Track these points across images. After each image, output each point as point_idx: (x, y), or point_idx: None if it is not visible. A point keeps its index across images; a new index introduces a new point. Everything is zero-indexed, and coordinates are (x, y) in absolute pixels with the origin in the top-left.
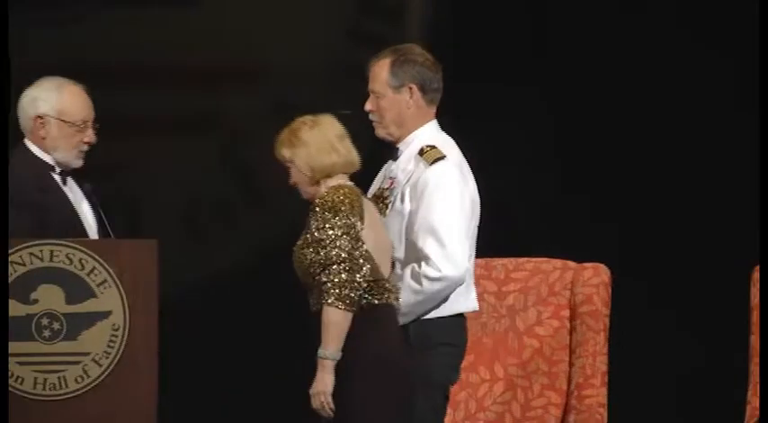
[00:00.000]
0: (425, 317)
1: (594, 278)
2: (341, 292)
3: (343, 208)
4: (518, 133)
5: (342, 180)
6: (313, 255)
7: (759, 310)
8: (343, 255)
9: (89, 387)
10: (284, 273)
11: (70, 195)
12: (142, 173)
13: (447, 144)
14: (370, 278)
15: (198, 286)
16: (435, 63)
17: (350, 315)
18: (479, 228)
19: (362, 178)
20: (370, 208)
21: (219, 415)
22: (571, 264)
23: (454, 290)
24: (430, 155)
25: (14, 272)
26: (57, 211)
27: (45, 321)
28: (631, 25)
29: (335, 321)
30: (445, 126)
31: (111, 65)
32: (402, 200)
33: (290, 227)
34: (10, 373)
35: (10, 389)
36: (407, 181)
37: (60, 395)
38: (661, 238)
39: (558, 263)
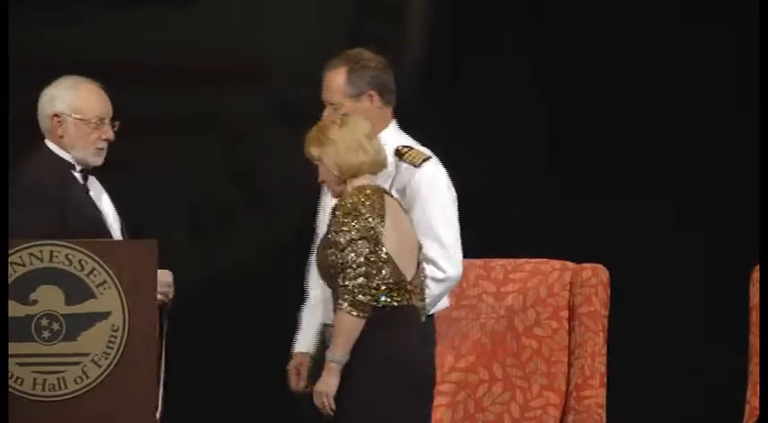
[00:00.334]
0: None
1: (593, 279)
2: (355, 297)
3: (363, 210)
4: (517, 133)
5: (368, 180)
6: (332, 257)
7: (759, 310)
8: (360, 259)
9: (88, 388)
10: (284, 273)
11: (91, 193)
12: (142, 173)
13: (417, 143)
14: (390, 280)
15: (198, 286)
16: (387, 65)
17: (362, 321)
18: (479, 227)
19: None
20: (394, 208)
21: (219, 415)
22: (570, 264)
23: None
24: (413, 156)
25: (14, 272)
26: (78, 209)
27: (44, 322)
28: (631, 26)
29: (346, 326)
30: (445, 126)
31: (111, 65)
32: None
33: (290, 227)
34: (9, 374)
35: (9, 389)
36: (391, 184)
37: (60, 396)
38: (660, 239)
39: (556, 263)
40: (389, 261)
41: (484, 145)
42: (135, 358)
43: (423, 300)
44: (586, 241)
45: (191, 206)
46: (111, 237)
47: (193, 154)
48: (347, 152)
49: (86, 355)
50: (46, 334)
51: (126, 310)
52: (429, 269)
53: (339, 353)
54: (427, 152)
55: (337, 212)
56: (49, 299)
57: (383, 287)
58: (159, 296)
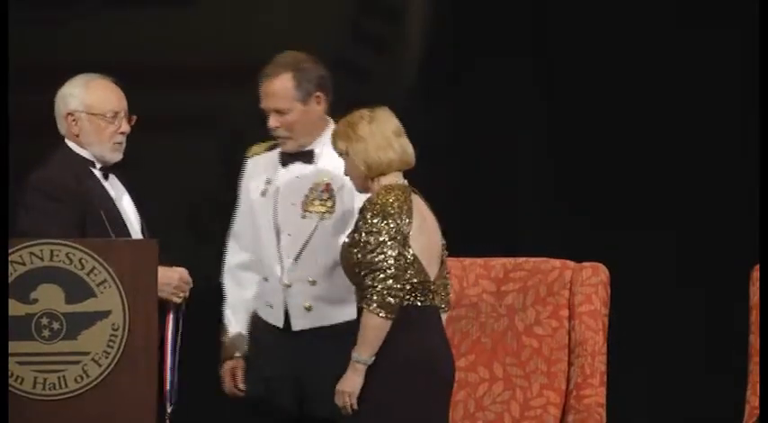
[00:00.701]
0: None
1: (593, 278)
2: (383, 299)
3: (392, 211)
4: (517, 133)
5: (396, 178)
6: (359, 256)
7: (759, 309)
8: (389, 261)
9: (89, 387)
10: None
11: (111, 191)
12: (142, 173)
13: None
14: (415, 280)
15: (198, 286)
16: (318, 61)
17: (389, 322)
18: (479, 227)
19: None
20: (420, 207)
21: (219, 414)
22: (570, 263)
23: None
24: None
25: (14, 271)
26: (98, 207)
27: (45, 321)
28: (631, 26)
29: (374, 327)
30: (445, 126)
31: (111, 65)
32: (351, 200)
33: None
34: (10, 373)
35: (10, 388)
36: (348, 179)
37: (60, 395)
38: (660, 238)
39: (556, 262)
40: (415, 262)
41: (484, 145)
42: (135, 357)
43: (445, 299)
44: (586, 241)
45: (191, 206)
46: (130, 237)
47: (193, 154)
48: (376, 150)
49: (87, 354)
50: (46, 333)
51: (126, 310)
52: None
53: (366, 354)
54: None
55: (366, 213)
56: (50, 298)
57: (408, 287)
58: (181, 294)
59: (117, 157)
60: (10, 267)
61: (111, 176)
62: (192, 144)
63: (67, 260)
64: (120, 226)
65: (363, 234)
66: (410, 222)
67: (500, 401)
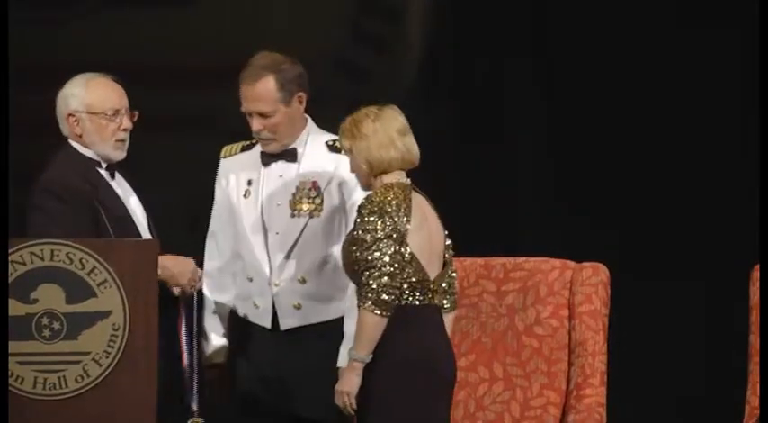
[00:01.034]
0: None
1: (593, 277)
2: (378, 297)
3: (389, 209)
4: (517, 133)
5: (398, 176)
6: (357, 254)
7: (759, 309)
8: (384, 258)
9: (89, 387)
10: None
11: (119, 190)
12: (142, 173)
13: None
14: (413, 279)
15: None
16: (294, 60)
17: (385, 320)
18: (479, 227)
19: None
20: (421, 206)
21: (219, 414)
22: (570, 263)
23: None
24: None
25: (15, 271)
26: (106, 207)
27: (45, 321)
28: (631, 27)
29: (369, 324)
30: (445, 126)
31: (111, 65)
32: (339, 197)
33: None
34: (10, 373)
35: (10, 388)
36: (332, 178)
37: (60, 395)
38: (660, 238)
39: (557, 262)
40: (413, 260)
41: (484, 145)
42: (135, 357)
43: (448, 298)
44: (586, 240)
45: (191, 206)
46: (140, 236)
47: (193, 154)
48: (378, 148)
49: (87, 353)
50: (47, 333)
51: (127, 309)
52: None
53: (363, 352)
54: None
55: (363, 211)
56: (50, 297)
57: (405, 286)
58: (193, 284)
59: (120, 155)
60: (10, 267)
61: (118, 175)
62: (192, 144)
63: (68, 260)
64: (130, 225)
65: (360, 232)
66: (408, 221)
67: (500, 401)
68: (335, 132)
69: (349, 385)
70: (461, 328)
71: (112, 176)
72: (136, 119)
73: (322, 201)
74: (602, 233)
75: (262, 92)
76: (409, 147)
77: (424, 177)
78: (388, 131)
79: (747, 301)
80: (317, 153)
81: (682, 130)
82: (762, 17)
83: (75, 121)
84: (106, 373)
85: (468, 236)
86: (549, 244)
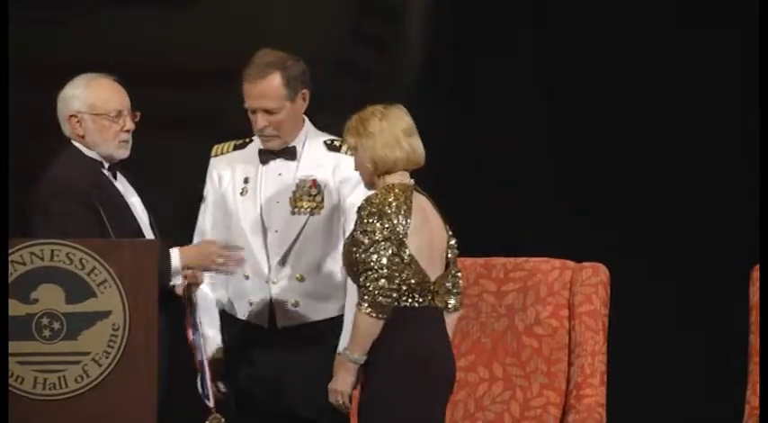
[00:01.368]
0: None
1: (593, 278)
2: (375, 299)
3: (388, 211)
4: (517, 133)
5: (402, 177)
6: (356, 255)
7: (759, 309)
8: (382, 261)
9: (89, 387)
10: None
11: (122, 190)
12: (142, 172)
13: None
14: (412, 281)
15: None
16: (298, 58)
17: (380, 322)
18: (479, 227)
19: None
20: (423, 207)
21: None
22: (570, 263)
23: None
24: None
25: (15, 271)
26: (110, 207)
27: (45, 321)
28: (631, 27)
29: (365, 326)
30: (445, 126)
31: (111, 65)
32: (338, 195)
33: None
34: (10, 373)
35: (10, 388)
36: (332, 176)
37: (60, 395)
38: (660, 238)
39: (556, 262)
40: (412, 262)
41: (484, 145)
42: (135, 357)
43: (450, 299)
44: (586, 240)
45: (190, 206)
46: (143, 236)
47: (193, 154)
48: (383, 148)
49: (87, 354)
50: (46, 333)
51: (127, 310)
52: None
53: (357, 353)
54: None
55: (362, 212)
56: (50, 298)
57: (404, 288)
58: (221, 261)
59: (124, 154)
60: (10, 267)
61: (119, 175)
62: (192, 144)
63: (68, 260)
64: (133, 224)
65: (359, 233)
66: (408, 222)
67: (500, 401)
68: (335, 132)
69: (342, 384)
70: (461, 328)
71: (115, 177)
72: (137, 119)
73: (323, 199)
74: (602, 233)
75: (268, 89)
76: (415, 147)
77: (424, 177)
78: (394, 131)
79: (747, 301)
80: (315, 152)
81: (682, 130)
82: (762, 17)
83: (78, 121)
84: (106, 373)
85: (468, 236)
86: (549, 244)
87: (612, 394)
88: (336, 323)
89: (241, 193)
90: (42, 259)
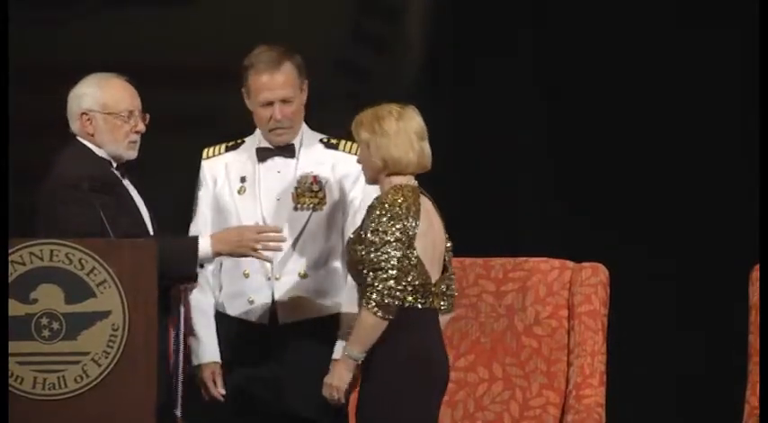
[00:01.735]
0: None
1: (593, 278)
2: (383, 299)
3: (400, 212)
4: (517, 133)
5: (408, 178)
6: (364, 254)
7: (758, 309)
8: (392, 262)
9: (88, 387)
10: None
11: (130, 190)
12: (141, 172)
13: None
14: (417, 282)
15: None
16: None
17: (385, 323)
18: (479, 227)
19: None
20: (428, 209)
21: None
22: (569, 263)
23: None
24: (350, 146)
25: (14, 271)
26: (121, 206)
27: (44, 321)
28: (631, 27)
29: (369, 325)
30: (445, 127)
31: (111, 65)
32: (339, 192)
33: None
34: (9, 373)
35: (9, 388)
36: (332, 172)
37: (60, 395)
38: (660, 238)
39: (556, 262)
40: (418, 264)
41: (484, 145)
42: (135, 358)
43: (446, 301)
44: (586, 240)
45: (191, 206)
46: (150, 234)
47: (193, 154)
48: (398, 149)
49: (86, 354)
50: (46, 333)
51: (126, 310)
52: None
53: (357, 350)
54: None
55: (373, 212)
56: (50, 298)
57: (410, 289)
58: (259, 247)
59: (132, 154)
60: (10, 267)
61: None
62: (192, 144)
63: (67, 260)
64: (142, 225)
65: (369, 233)
66: (417, 224)
67: (499, 401)
68: (335, 132)
69: (339, 379)
70: (460, 328)
71: (123, 176)
72: (147, 121)
73: (324, 195)
74: (602, 233)
75: (286, 78)
76: (425, 151)
77: (425, 177)
78: (409, 133)
79: (747, 301)
80: (313, 150)
81: (682, 130)
82: (762, 17)
83: (89, 119)
84: (105, 373)
85: (468, 236)
86: (549, 244)
87: (612, 394)
88: (337, 320)
89: (239, 192)
90: (42, 259)
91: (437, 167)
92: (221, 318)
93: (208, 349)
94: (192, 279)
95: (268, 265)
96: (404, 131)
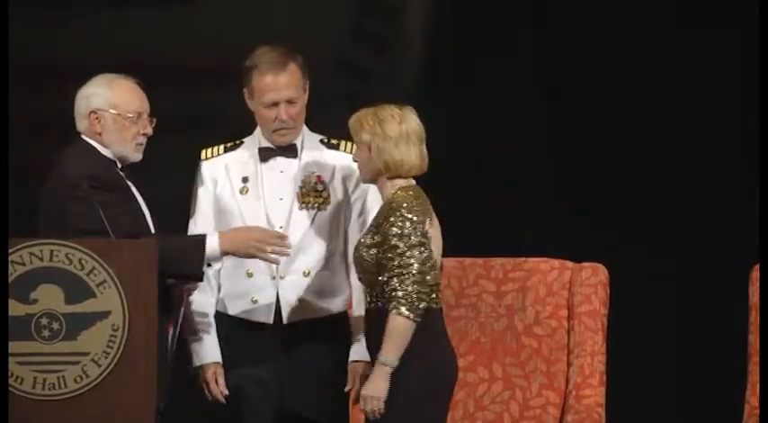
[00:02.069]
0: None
1: (593, 278)
2: (413, 303)
3: (418, 215)
4: (517, 133)
5: (409, 180)
6: (383, 259)
7: (758, 309)
8: (417, 265)
9: (88, 387)
10: None
11: (134, 190)
12: (141, 173)
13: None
14: (433, 283)
15: None
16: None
17: (414, 324)
18: (479, 227)
19: None
20: (431, 208)
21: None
22: (569, 263)
23: None
24: (350, 147)
25: (14, 271)
26: (122, 206)
27: (44, 321)
28: (631, 27)
29: (403, 330)
30: (445, 127)
31: (111, 65)
32: (342, 191)
33: None
34: (9, 373)
35: (9, 388)
36: (334, 172)
37: (59, 395)
38: (660, 238)
39: (556, 262)
40: (436, 264)
41: (484, 145)
42: (135, 358)
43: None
44: (586, 240)
45: (190, 206)
46: (151, 234)
47: (193, 154)
48: (401, 153)
49: (86, 354)
50: (46, 333)
51: (126, 310)
52: None
53: (393, 356)
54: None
55: (394, 214)
56: (49, 298)
57: (428, 290)
58: (269, 249)
59: (138, 156)
60: (10, 267)
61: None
62: (192, 144)
63: (67, 260)
64: (146, 226)
65: (392, 237)
66: (431, 225)
67: (499, 401)
68: (335, 132)
69: (378, 390)
70: (460, 328)
71: (126, 177)
72: (154, 125)
73: (329, 195)
74: (602, 233)
75: (292, 78)
76: (424, 154)
77: (424, 177)
78: (411, 137)
79: (747, 301)
80: (315, 150)
81: (682, 130)
82: (762, 17)
83: (97, 119)
84: (105, 373)
85: (468, 236)
86: (549, 244)
87: (612, 394)
88: (339, 319)
89: (241, 192)
90: (42, 259)
91: (437, 167)
92: (221, 318)
93: (209, 350)
94: (199, 278)
95: (272, 264)
96: (406, 135)
